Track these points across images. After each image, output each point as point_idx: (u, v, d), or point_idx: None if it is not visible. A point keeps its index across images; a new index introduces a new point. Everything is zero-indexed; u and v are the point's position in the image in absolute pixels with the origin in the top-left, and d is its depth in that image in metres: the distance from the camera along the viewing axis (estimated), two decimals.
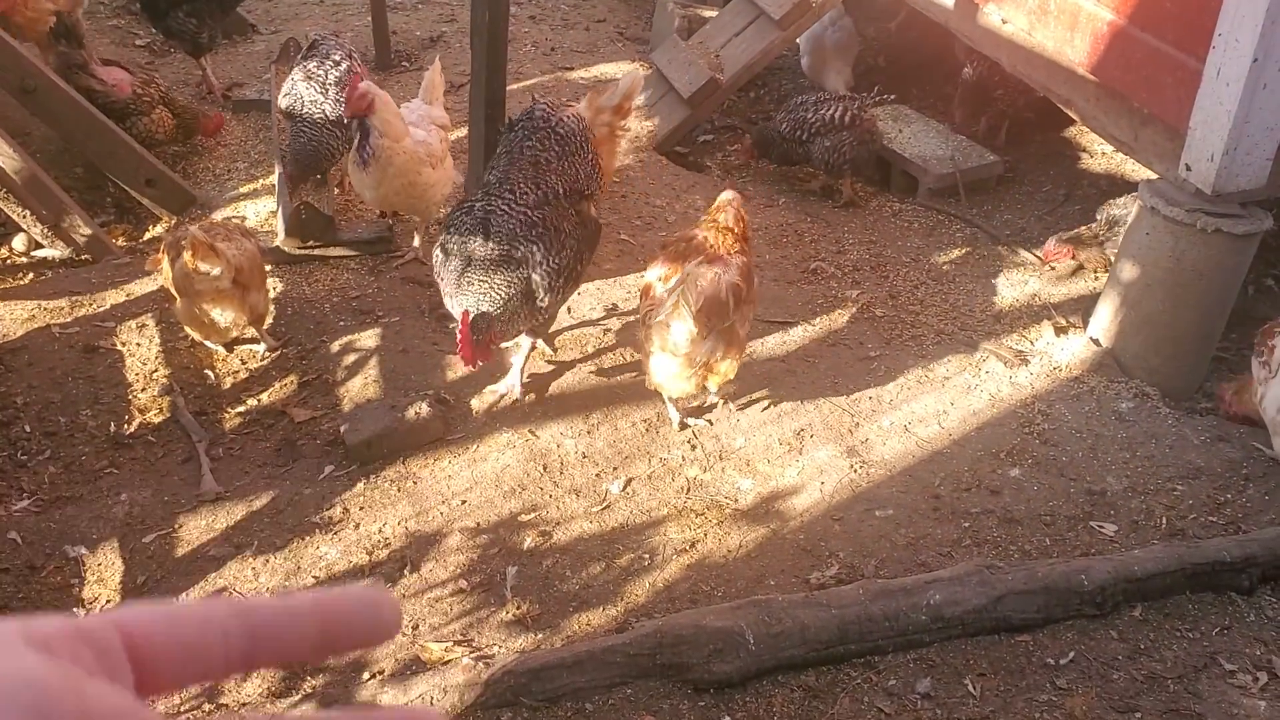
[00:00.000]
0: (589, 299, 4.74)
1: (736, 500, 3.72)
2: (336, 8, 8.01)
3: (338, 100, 5.02)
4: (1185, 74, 3.98)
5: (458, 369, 4.23)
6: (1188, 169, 4.02)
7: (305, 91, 5.12)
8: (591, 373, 4.27)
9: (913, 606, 3.12)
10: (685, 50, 6.39)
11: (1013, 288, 4.94)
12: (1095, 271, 4.92)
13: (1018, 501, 3.65)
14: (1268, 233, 4.14)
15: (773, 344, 4.58)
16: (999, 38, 5.16)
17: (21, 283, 5.01)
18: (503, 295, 3.73)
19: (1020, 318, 4.71)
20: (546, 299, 3.84)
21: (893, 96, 5.96)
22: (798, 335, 4.66)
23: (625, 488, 3.76)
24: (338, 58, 5.23)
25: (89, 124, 5.30)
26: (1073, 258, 4.87)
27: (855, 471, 3.82)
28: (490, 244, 3.76)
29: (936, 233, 5.53)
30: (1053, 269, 4.97)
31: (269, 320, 4.52)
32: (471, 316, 3.67)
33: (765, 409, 4.11)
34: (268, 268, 4.67)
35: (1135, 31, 4.23)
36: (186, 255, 3.99)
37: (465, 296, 3.73)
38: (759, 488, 3.77)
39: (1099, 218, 4.87)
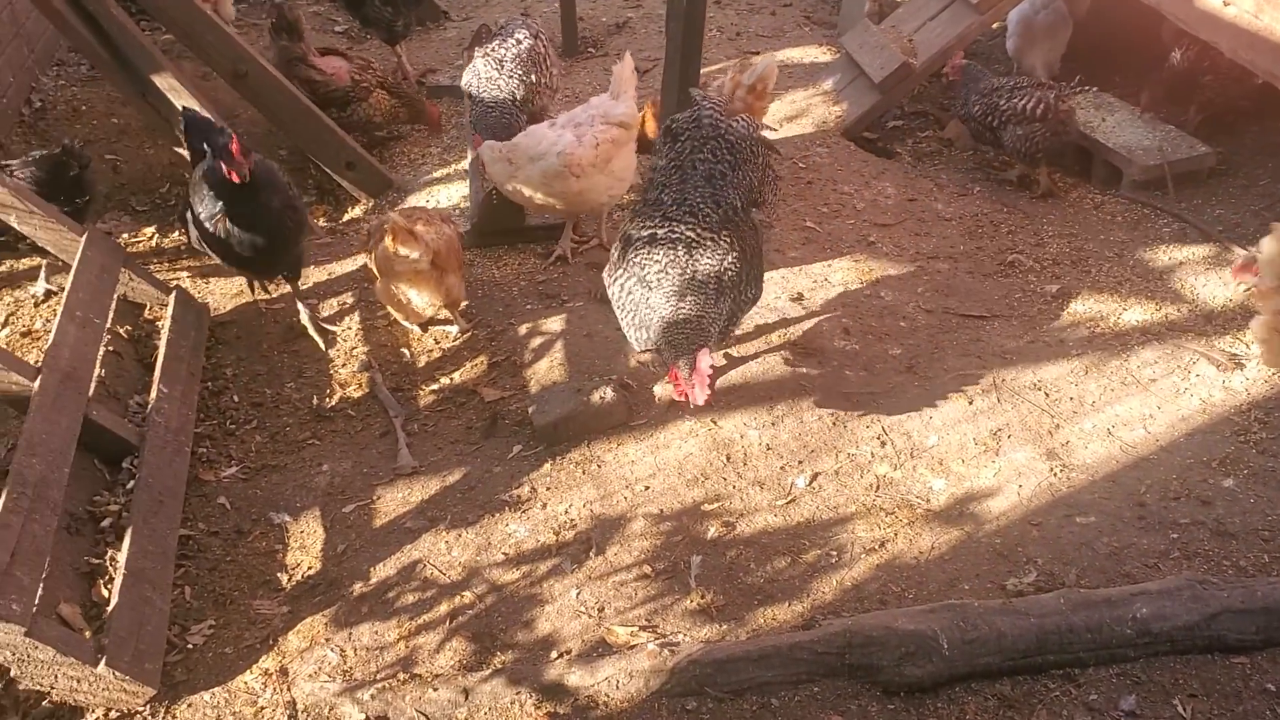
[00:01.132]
0: (774, 288, 4.67)
1: (928, 500, 3.61)
2: None
3: (513, 76, 5.12)
4: None
5: (642, 355, 4.23)
6: None
7: (482, 69, 5.23)
8: (776, 363, 4.21)
9: (1117, 619, 2.96)
10: (877, 34, 6.23)
11: (1225, 286, 4.63)
12: None
13: (1232, 514, 3.42)
14: None
15: (966, 339, 4.43)
16: (1220, 21, 4.83)
17: None
18: (712, 331, 3.60)
19: (1234, 319, 4.41)
20: (740, 318, 3.83)
21: (1094, 88, 5.67)
22: (993, 330, 4.49)
23: (811, 482, 3.69)
24: (520, 36, 5.31)
25: (295, 108, 5.52)
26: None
27: (1055, 475, 3.65)
28: (686, 282, 3.57)
29: (1141, 226, 5.24)
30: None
31: (464, 303, 4.62)
32: (700, 360, 3.46)
33: (959, 406, 3.97)
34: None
35: None
36: (388, 239, 4.12)
37: (679, 342, 3.53)
38: (952, 488, 3.65)
39: None
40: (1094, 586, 3.14)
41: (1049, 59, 6.15)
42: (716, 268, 3.57)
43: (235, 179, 4.01)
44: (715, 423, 3.95)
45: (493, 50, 5.30)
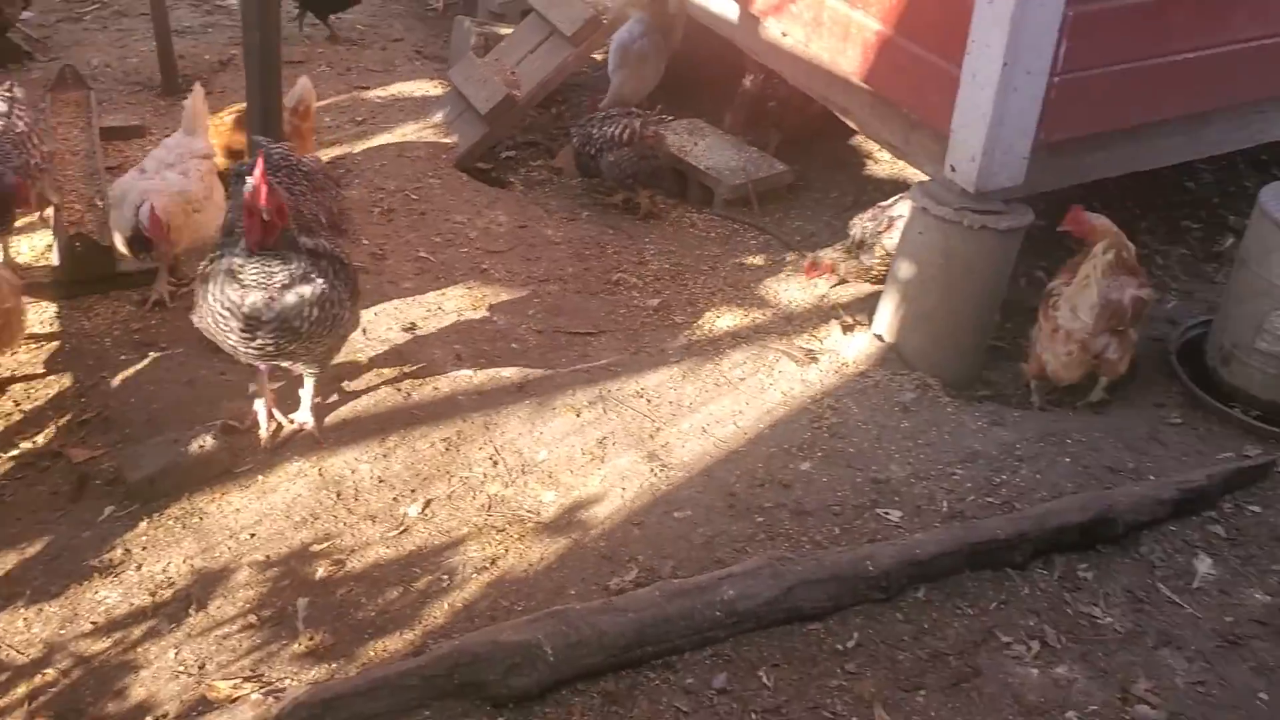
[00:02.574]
0: (386, 319, 4.66)
1: (539, 514, 3.71)
2: (121, 33, 7.64)
3: None
4: (946, 80, 4.19)
5: (241, 400, 4.09)
6: (952, 170, 4.23)
7: None
8: (388, 395, 4.20)
9: (707, 604, 3.16)
10: (481, 67, 6.38)
11: (803, 290, 5.10)
12: (859, 282, 5.08)
13: (808, 494, 3.76)
14: (1034, 226, 4.39)
15: (575, 355, 4.60)
16: (780, 50, 5.33)
17: None
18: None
19: (810, 318, 4.86)
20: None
21: (671, 117, 6.07)
22: (600, 344, 4.70)
23: (424, 509, 3.70)
24: None
25: None
26: (832, 272, 5.04)
27: (656, 475, 3.86)
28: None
29: (732, 241, 5.67)
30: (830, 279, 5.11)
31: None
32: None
33: (568, 420, 4.12)
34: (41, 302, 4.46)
35: (900, 40, 4.43)
36: None
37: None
38: (562, 499, 3.77)
39: (851, 233, 5.04)
40: (688, 576, 3.34)
41: (639, 86, 6.50)
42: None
43: None
44: (325, 460, 3.87)
45: None
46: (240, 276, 3.44)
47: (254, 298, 3.44)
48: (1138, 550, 3.58)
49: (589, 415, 4.17)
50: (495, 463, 3.93)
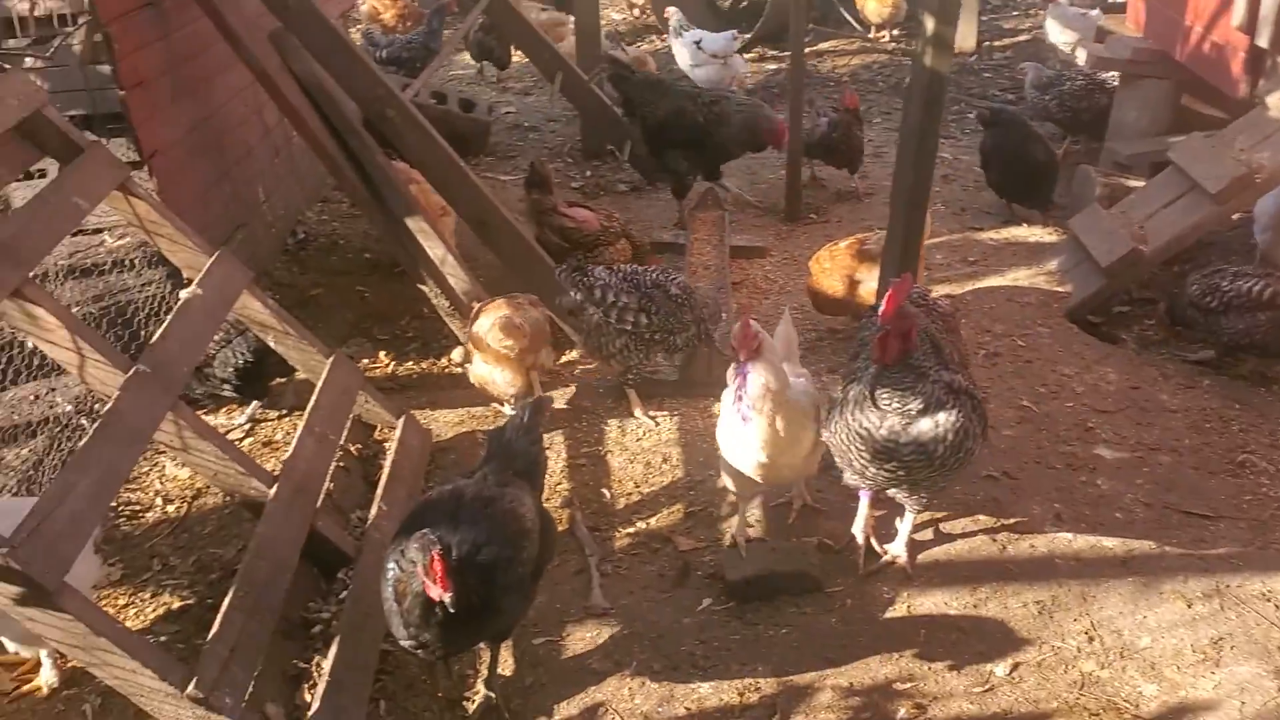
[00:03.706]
0: (978, 466, 4.57)
1: (1137, 706, 3.39)
2: (756, 161, 8.37)
3: None
4: None
5: (842, 520, 4.21)
6: None
7: None
8: (982, 543, 4.10)
9: None
10: (1106, 219, 6.16)
11: None
12: None
13: None
14: None
15: (1188, 538, 4.19)
16: None
17: (455, 391, 5.57)
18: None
19: None
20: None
21: None
22: (1219, 531, 4.24)
23: (1012, 671, 3.54)
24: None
25: (528, 256, 5.88)
26: None
27: None
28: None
29: None
30: None
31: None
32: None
33: (1178, 609, 3.75)
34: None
35: None
36: (491, 327, 4.92)
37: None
38: (1165, 696, 3.42)
39: None
40: None
41: None
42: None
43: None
44: (915, 598, 3.85)
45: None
46: (875, 402, 3.55)
47: (890, 423, 3.54)
48: None
49: (1202, 609, 3.76)
50: (1091, 638, 3.66)
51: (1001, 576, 3.92)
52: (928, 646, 3.65)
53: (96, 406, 4.85)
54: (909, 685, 3.50)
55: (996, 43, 11.74)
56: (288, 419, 5.20)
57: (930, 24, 3.86)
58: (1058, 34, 10.37)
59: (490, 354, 5.01)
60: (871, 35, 11.87)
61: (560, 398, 5.42)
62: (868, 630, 3.73)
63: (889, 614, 3.79)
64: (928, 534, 4.15)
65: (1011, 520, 4.23)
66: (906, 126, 4.15)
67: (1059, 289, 6.13)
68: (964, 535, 4.14)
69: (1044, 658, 3.60)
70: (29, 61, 5.68)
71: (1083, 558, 4.05)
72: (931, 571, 3.97)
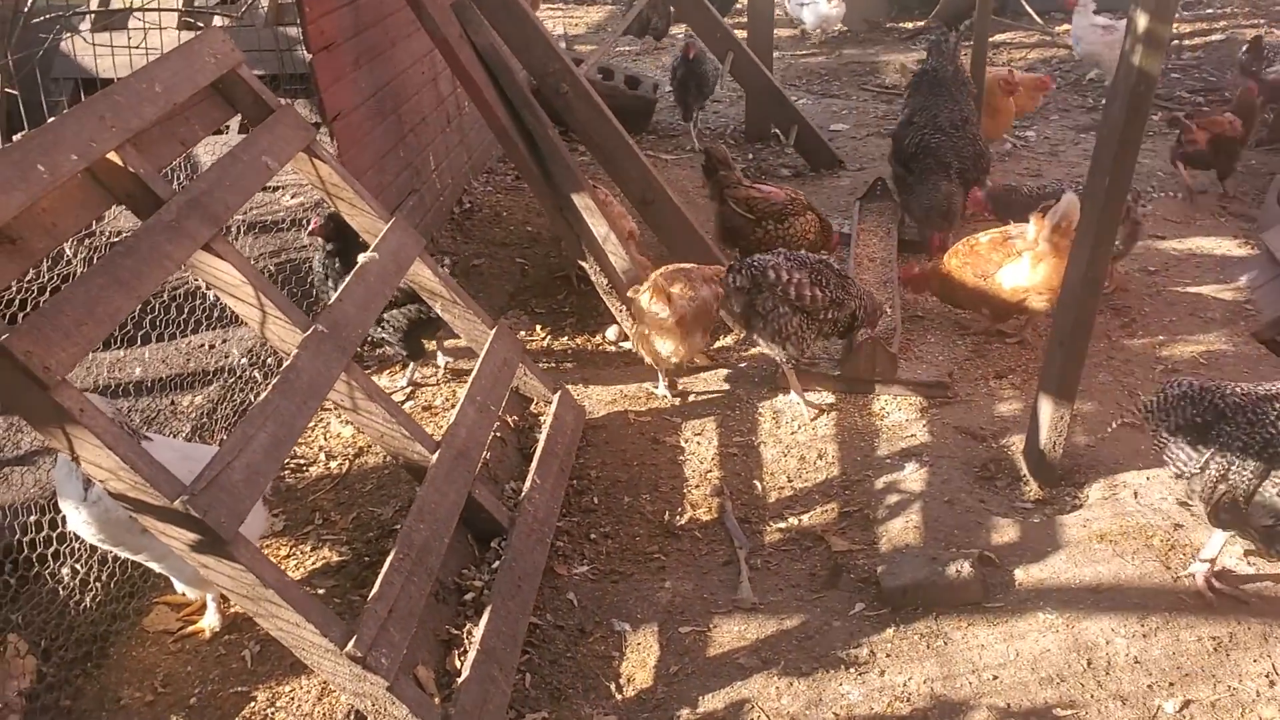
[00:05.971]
0: (1159, 486, 4.34)
1: None
2: None
3: None
4: None
5: (1005, 533, 4.06)
6: None
7: None
8: (1155, 569, 3.89)
9: None
10: None
11: None
12: None
13: None
14: None
15: None
16: None
17: (609, 369, 5.58)
18: None
19: None
20: None
21: None
22: None
23: (1181, 709, 3.34)
24: None
25: (690, 238, 5.86)
26: None
27: None
28: None
29: None
30: None
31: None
32: None
33: None
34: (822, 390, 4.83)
35: None
36: (646, 293, 4.99)
37: None
38: None
39: None
40: None
41: None
42: None
43: None
44: (1079, 621, 3.68)
45: None
46: None
47: None
48: None
49: None
50: (1272, 682, 3.44)
51: (1174, 607, 3.71)
52: (1090, 673, 3.48)
53: (269, 360, 5.02)
54: (1069, 712, 3.34)
55: (1186, 41, 11.17)
56: (446, 385, 5.29)
57: (1143, 20, 3.63)
58: None
59: (647, 322, 5.06)
60: (1057, 30, 11.44)
61: (713, 383, 5.38)
62: (1028, 651, 3.57)
63: (1050, 636, 3.62)
64: (1093, 552, 3.96)
65: (1186, 547, 4.00)
66: (1106, 127, 3.92)
67: (1246, 305, 5.78)
68: (1134, 558, 3.94)
69: (1218, 698, 3.39)
70: (216, 20, 5.91)
71: (1265, 595, 3.81)
72: (1099, 594, 3.78)
